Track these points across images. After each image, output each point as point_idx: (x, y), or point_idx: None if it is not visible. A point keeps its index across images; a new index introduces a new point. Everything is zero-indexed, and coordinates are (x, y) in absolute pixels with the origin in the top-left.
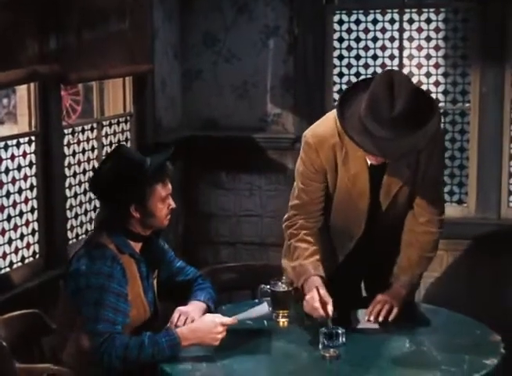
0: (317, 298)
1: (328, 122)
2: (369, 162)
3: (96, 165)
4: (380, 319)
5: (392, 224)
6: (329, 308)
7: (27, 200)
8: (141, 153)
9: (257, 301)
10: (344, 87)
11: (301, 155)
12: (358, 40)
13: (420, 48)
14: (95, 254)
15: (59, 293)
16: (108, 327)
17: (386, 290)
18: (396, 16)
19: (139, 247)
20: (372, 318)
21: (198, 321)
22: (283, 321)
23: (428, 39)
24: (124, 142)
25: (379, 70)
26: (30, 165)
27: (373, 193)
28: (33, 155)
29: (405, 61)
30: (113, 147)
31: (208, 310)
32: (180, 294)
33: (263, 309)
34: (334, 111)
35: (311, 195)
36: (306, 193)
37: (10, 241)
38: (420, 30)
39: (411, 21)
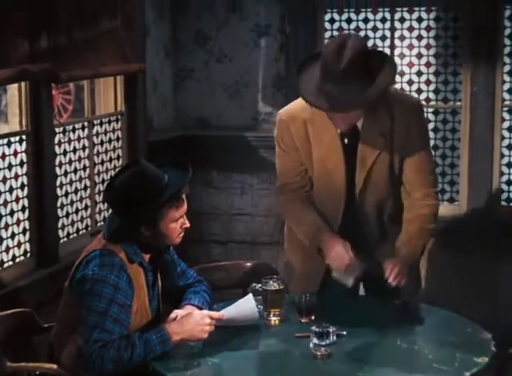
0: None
1: (301, 100)
2: (338, 131)
3: (88, 164)
4: (395, 282)
5: (375, 207)
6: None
7: (17, 199)
8: (158, 167)
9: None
10: None
11: (275, 135)
12: None
13: (411, 47)
14: (104, 262)
15: (61, 294)
16: (104, 336)
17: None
18: (387, 15)
19: (149, 256)
20: (391, 280)
21: (186, 315)
22: (274, 319)
23: (419, 38)
24: (115, 141)
25: None
26: (21, 164)
27: (349, 166)
28: (24, 154)
29: (397, 60)
30: (104, 147)
31: None
32: (181, 299)
33: (249, 302)
34: None
35: (288, 174)
36: (284, 174)
37: (1, 240)
38: (411, 28)
39: (402, 20)
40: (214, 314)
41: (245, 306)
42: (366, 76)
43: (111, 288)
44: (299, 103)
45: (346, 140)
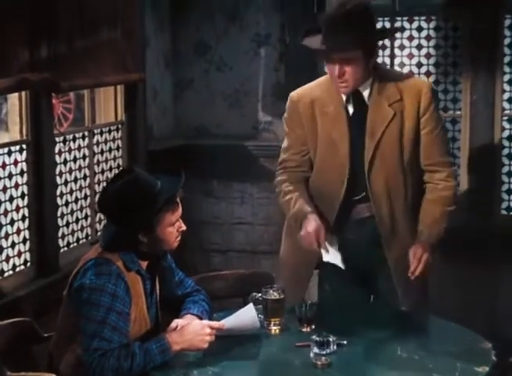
0: (311, 229)
1: (314, 82)
2: (344, 99)
3: (88, 174)
4: (417, 273)
5: (385, 191)
6: (322, 236)
7: (18, 209)
8: (151, 174)
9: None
10: None
11: (284, 116)
12: None
13: (411, 56)
14: (101, 270)
15: (61, 304)
16: (103, 345)
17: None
18: (387, 24)
19: (146, 264)
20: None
21: (186, 325)
22: (274, 329)
23: (419, 47)
24: (116, 151)
25: None
26: (22, 173)
27: (355, 137)
28: (24, 163)
29: (397, 69)
30: (105, 156)
31: None
32: (179, 308)
33: (250, 311)
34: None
35: (290, 151)
36: (286, 151)
37: (1, 249)
38: (411, 38)
39: (402, 29)
40: (215, 324)
41: (246, 316)
42: (363, 28)
43: (109, 297)
44: (310, 84)
45: (351, 110)
